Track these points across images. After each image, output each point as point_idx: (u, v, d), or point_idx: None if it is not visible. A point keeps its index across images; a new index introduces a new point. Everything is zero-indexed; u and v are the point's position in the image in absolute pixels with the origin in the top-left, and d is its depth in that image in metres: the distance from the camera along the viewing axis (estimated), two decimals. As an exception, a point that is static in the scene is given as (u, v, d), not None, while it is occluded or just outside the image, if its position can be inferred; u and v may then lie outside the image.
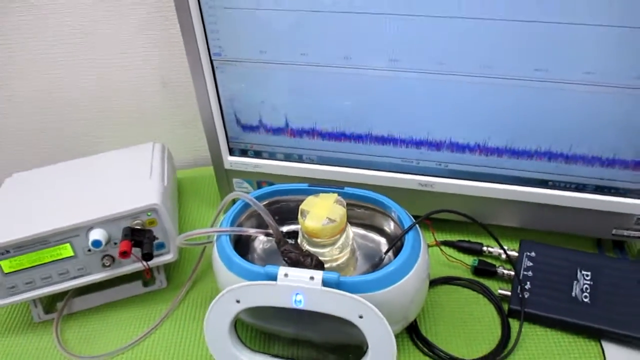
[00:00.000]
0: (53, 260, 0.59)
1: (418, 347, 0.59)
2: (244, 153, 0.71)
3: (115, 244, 0.60)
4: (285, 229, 0.62)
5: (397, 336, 0.59)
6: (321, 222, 0.53)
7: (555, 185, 0.63)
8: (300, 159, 0.70)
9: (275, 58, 0.61)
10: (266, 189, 0.61)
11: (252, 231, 0.58)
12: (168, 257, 0.63)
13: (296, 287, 0.49)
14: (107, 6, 0.76)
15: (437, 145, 0.63)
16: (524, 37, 0.53)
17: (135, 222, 0.59)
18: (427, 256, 0.55)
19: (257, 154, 0.71)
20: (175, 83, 0.83)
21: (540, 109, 0.58)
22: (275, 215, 0.60)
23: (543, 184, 0.63)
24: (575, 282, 0.61)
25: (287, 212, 0.62)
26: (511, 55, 0.55)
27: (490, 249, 0.67)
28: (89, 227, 0.58)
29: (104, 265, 0.61)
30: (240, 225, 0.60)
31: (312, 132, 0.67)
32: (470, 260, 0.67)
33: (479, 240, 0.68)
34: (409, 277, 0.51)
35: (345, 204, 0.55)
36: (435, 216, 0.58)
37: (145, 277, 0.66)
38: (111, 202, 0.60)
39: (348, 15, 0.56)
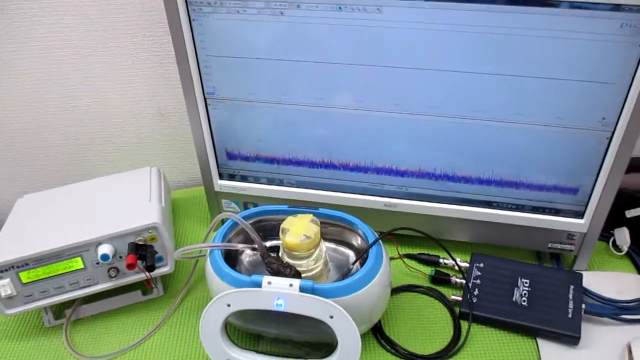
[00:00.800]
0: (65, 272, 0.66)
1: (382, 345, 0.67)
2: (232, 177, 0.80)
3: (121, 257, 0.67)
4: (268, 243, 0.70)
5: (363, 335, 0.67)
6: (299, 238, 0.61)
7: (498, 205, 0.73)
8: (281, 183, 0.78)
9: (261, 98, 0.70)
10: (252, 210, 0.69)
11: (240, 246, 0.66)
12: (166, 269, 0.70)
13: (277, 293, 0.56)
14: (109, 39, 0.83)
15: (398, 172, 0.73)
16: (465, 84, 0.63)
17: (139, 238, 0.67)
18: (389, 267, 0.64)
19: (244, 178, 0.79)
20: (171, 113, 0.91)
21: (481, 142, 0.68)
22: (259, 232, 0.67)
23: (488, 204, 0.73)
24: (515, 288, 0.70)
25: (270, 230, 0.69)
26: (454, 98, 0.65)
27: (445, 260, 0.76)
28: (98, 242, 0.66)
29: (110, 276, 0.68)
30: (229, 241, 0.67)
31: (291, 161, 0.75)
32: (428, 270, 0.76)
33: (436, 253, 0.77)
34: (372, 284, 0.60)
35: (319, 222, 0.63)
36: (399, 232, 0.68)
37: (145, 286, 0.73)
38: (117, 220, 0.67)
39: (322, 65, 0.66)
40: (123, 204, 0.73)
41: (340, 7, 0.61)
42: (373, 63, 0.64)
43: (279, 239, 0.63)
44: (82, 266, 0.67)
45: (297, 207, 0.68)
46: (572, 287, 0.70)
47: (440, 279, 0.74)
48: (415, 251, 0.79)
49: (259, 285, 0.57)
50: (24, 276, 0.65)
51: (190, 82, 0.70)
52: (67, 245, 0.65)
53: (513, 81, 0.62)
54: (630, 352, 0.63)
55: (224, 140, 0.76)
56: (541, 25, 0.58)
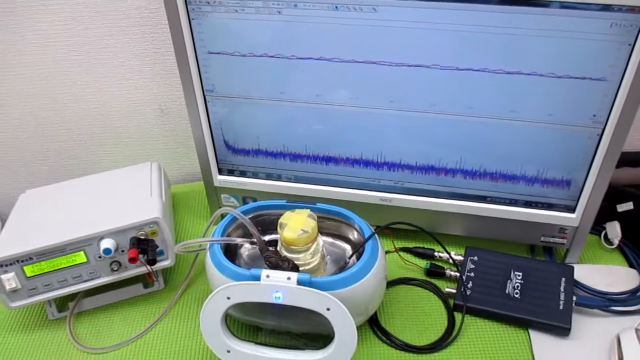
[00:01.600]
0: (69, 266, 0.68)
1: (378, 336, 0.69)
2: (231, 172, 0.81)
3: (123, 251, 0.69)
4: (267, 237, 0.70)
5: (360, 327, 0.68)
6: (296, 233, 0.62)
7: (492, 200, 0.74)
8: (279, 178, 0.80)
9: (259, 95, 0.71)
10: (251, 205, 0.70)
11: (239, 240, 0.67)
12: (167, 263, 0.72)
13: (276, 286, 0.58)
14: (110, 37, 0.84)
15: (394, 167, 0.74)
16: (458, 82, 0.65)
17: (140, 232, 0.69)
18: (384, 260, 0.66)
19: (243, 174, 0.81)
20: (171, 108, 0.92)
21: (474, 138, 0.69)
22: (258, 226, 0.68)
23: (482, 199, 0.75)
24: (508, 281, 0.72)
25: (269, 224, 0.71)
26: (448, 95, 0.66)
27: (440, 254, 0.78)
28: (101, 237, 0.67)
29: (112, 270, 0.70)
30: (228, 235, 0.69)
31: (289, 156, 0.77)
32: (423, 263, 0.77)
33: (431, 247, 0.79)
34: (368, 277, 0.61)
35: (316, 217, 0.65)
36: (395, 226, 0.69)
37: (146, 279, 0.74)
38: (119, 215, 0.69)
39: (319, 63, 0.67)
40: (124, 198, 0.74)
41: (336, 7, 0.62)
42: (369, 61, 0.66)
43: (277, 233, 0.65)
44: (85, 260, 0.68)
45: (295, 202, 0.70)
46: (563, 279, 0.71)
47: (435, 272, 0.76)
48: (410, 245, 0.80)
49: (257, 278, 0.59)
50: (28, 270, 0.67)
51: (190, 80, 0.71)
52: (70, 240, 0.66)
53: (506, 79, 0.63)
54: (619, 343, 0.64)
55: (223, 136, 0.77)
56: (533, 25, 0.59)
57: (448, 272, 0.75)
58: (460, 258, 0.76)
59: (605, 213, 0.78)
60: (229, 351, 0.61)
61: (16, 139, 0.93)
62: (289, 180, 0.79)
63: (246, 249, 0.72)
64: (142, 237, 0.69)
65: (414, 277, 0.76)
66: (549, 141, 0.67)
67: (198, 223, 0.88)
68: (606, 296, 0.72)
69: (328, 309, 0.57)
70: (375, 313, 0.70)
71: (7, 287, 0.66)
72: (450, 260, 0.76)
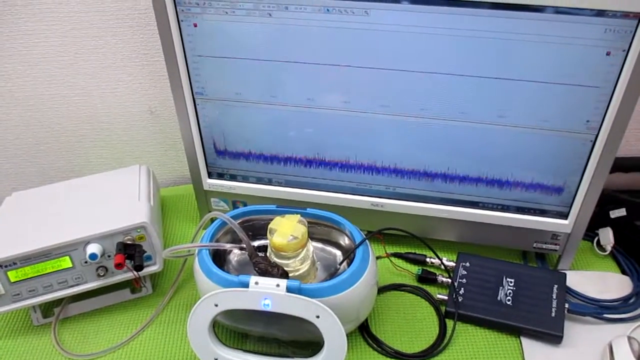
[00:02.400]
0: (54, 271, 0.67)
1: (368, 343, 0.68)
2: (221, 176, 0.80)
3: (109, 256, 0.68)
4: (256, 243, 0.71)
5: (350, 334, 0.68)
6: (286, 239, 0.62)
7: (484, 206, 0.74)
8: (270, 182, 0.79)
9: (250, 98, 0.71)
10: (240, 210, 0.70)
11: (228, 246, 0.66)
12: (154, 268, 0.71)
13: (265, 293, 0.57)
14: (99, 38, 0.83)
15: (385, 172, 0.73)
16: (450, 86, 0.64)
17: (127, 237, 0.68)
18: (375, 266, 0.65)
19: (233, 177, 0.80)
20: (161, 110, 0.91)
21: (466, 143, 0.68)
22: (248, 231, 0.68)
23: (474, 205, 0.74)
24: (500, 287, 0.72)
25: (259, 229, 0.70)
26: (441, 100, 0.65)
27: (432, 259, 0.77)
28: (87, 242, 0.66)
29: (98, 275, 0.69)
30: (217, 240, 0.68)
31: (280, 160, 0.76)
32: (415, 269, 0.77)
33: (423, 252, 0.78)
34: (358, 284, 0.61)
35: (306, 223, 0.64)
36: (386, 231, 0.68)
37: (134, 285, 0.73)
38: (105, 220, 0.68)
39: (310, 66, 0.66)
40: (112, 202, 0.73)
41: (328, 10, 0.61)
42: (360, 65, 0.65)
43: (267, 238, 0.64)
44: (71, 265, 0.67)
45: (285, 207, 0.69)
46: (556, 286, 0.71)
47: (427, 278, 0.75)
48: (402, 250, 0.80)
49: (246, 285, 0.58)
50: (12, 275, 0.65)
51: (179, 82, 0.70)
52: (55, 245, 0.65)
53: (499, 84, 0.63)
54: (611, 351, 0.64)
55: (213, 140, 0.76)
56: (526, 30, 0.58)
57: (440, 278, 0.74)
58: (452, 264, 0.75)
59: (598, 219, 0.78)
60: (216, 359, 0.60)
61: (3, 140, 0.92)
62: (279, 184, 0.79)
63: (235, 254, 0.72)
64: (129, 242, 0.68)
65: (405, 283, 0.76)
66: (542, 147, 0.67)
67: (187, 227, 0.88)
68: (598, 303, 0.71)
69: (317, 317, 0.57)
70: (366, 320, 0.70)
71: (-10, 293, 0.65)
72: (442, 266, 0.76)
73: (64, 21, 0.81)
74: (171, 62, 0.69)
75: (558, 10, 0.57)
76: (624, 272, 0.77)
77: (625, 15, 0.56)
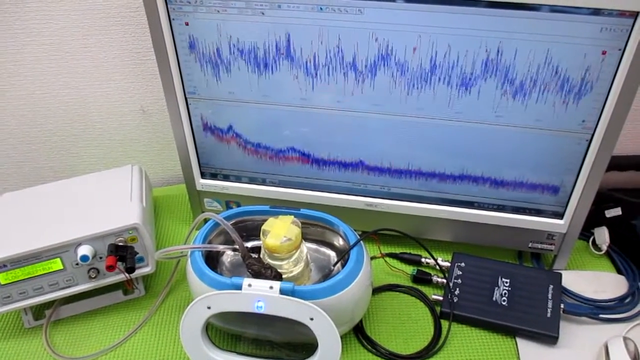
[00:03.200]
0: (44, 273, 0.66)
1: (363, 345, 0.67)
2: (214, 176, 0.79)
3: (101, 258, 0.67)
4: (249, 244, 0.70)
5: (344, 336, 0.68)
6: (280, 240, 0.61)
7: (479, 206, 0.73)
8: (263, 182, 0.78)
9: (242, 98, 0.70)
10: (233, 210, 0.69)
11: (221, 247, 0.66)
12: (147, 270, 0.70)
13: (258, 295, 0.57)
14: (90, 36, 0.82)
15: (379, 171, 0.73)
16: (445, 86, 0.63)
17: (119, 239, 0.67)
18: (370, 267, 0.65)
19: (226, 177, 0.79)
20: (153, 110, 0.90)
21: (461, 143, 0.68)
22: (241, 232, 0.68)
23: (470, 205, 0.74)
24: (496, 288, 0.71)
25: (252, 230, 0.70)
26: (435, 100, 0.65)
27: (427, 260, 0.77)
28: (78, 243, 0.65)
29: (90, 277, 0.68)
30: (210, 241, 0.67)
31: (273, 159, 0.75)
32: (410, 269, 0.76)
33: (418, 253, 0.78)
34: (353, 286, 0.60)
35: (300, 224, 0.64)
36: (381, 232, 0.68)
37: (126, 287, 0.73)
38: (97, 221, 0.67)
39: (303, 64, 0.65)
40: (103, 203, 0.72)
41: (321, 8, 0.61)
42: (354, 63, 0.64)
43: (260, 239, 0.63)
44: (62, 267, 0.66)
45: (279, 207, 0.68)
46: (551, 286, 0.70)
47: (422, 278, 0.75)
48: (397, 250, 0.79)
49: (239, 287, 0.58)
50: (2, 277, 0.65)
51: (171, 82, 0.69)
52: (46, 247, 0.64)
53: (494, 83, 0.62)
54: (607, 351, 0.64)
55: (205, 139, 0.75)
56: (522, 29, 0.58)
57: (435, 278, 0.74)
58: (447, 264, 0.75)
59: (593, 218, 0.78)
60: (209, 362, 0.60)
61: (-6, 140, 0.91)
62: (273, 184, 0.78)
63: (228, 255, 0.71)
64: (121, 244, 0.67)
65: (400, 283, 0.75)
66: (537, 147, 0.66)
67: (180, 227, 0.87)
68: (594, 303, 0.71)
69: (311, 319, 0.56)
70: (361, 321, 0.69)
71: (-20, 296, 0.64)
72: (437, 267, 0.75)
73: (54, 20, 0.79)
74: (163, 61, 0.68)
75: (554, 9, 0.56)
76: (619, 272, 0.76)
77: (622, 13, 0.55)
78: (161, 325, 0.71)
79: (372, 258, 0.77)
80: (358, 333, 0.69)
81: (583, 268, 0.77)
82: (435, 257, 0.74)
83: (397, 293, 0.74)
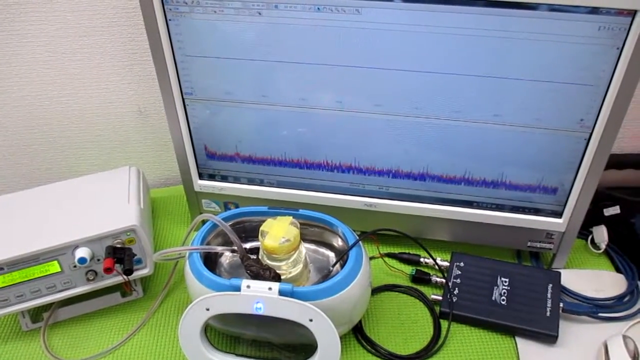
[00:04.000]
0: (42, 276, 0.65)
1: (362, 345, 0.67)
2: (212, 177, 0.79)
3: (99, 260, 0.67)
4: (248, 245, 0.69)
5: (344, 336, 0.67)
6: (278, 241, 0.61)
7: (478, 205, 0.73)
8: (261, 183, 0.78)
9: (240, 98, 0.69)
10: (232, 211, 0.69)
11: (219, 248, 0.66)
12: (145, 271, 0.70)
13: (257, 297, 0.56)
14: (86, 37, 0.81)
15: (378, 172, 0.73)
16: (444, 85, 0.63)
17: (117, 241, 0.67)
18: (369, 267, 0.64)
19: (224, 178, 0.79)
20: (150, 110, 0.89)
21: (460, 142, 0.68)
22: (239, 233, 0.67)
23: (468, 204, 0.73)
24: (495, 287, 0.71)
25: (250, 231, 0.69)
26: (434, 99, 0.65)
27: (426, 260, 0.76)
28: (75, 246, 0.65)
29: (88, 279, 0.67)
30: (208, 243, 0.67)
31: (272, 160, 0.75)
32: (409, 269, 0.76)
33: (417, 253, 0.77)
34: (352, 286, 0.60)
35: (299, 225, 0.63)
36: (379, 232, 0.68)
37: (124, 289, 0.72)
38: (95, 223, 0.67)
39: (301, 65, 0.65)
40: (101, 205, 0.72)
41: (318, 8, 0.60)
42: (352, 64, 0.64)
43: (259, 240, 0.63)
44: (59, 270, 0.66)
45: (277, 208, 0.68)
46: (550, 285, 0.70)
47: (421, 278, 0.74)
48: (396, 250, 0.79)
49: (238, 289, 0.57)
50: (0, 280, 0.64)
51: (168, 83, 0.69)
52: (43, 249, 0.64)
53: (492, 83, 0.62)
54: (606, 350, 0.64)
55: (203, 140, 0.75)
56: (520, 28, 0.58)
57: (434, 278, 0.74)
58: (446, 264, 0.75)
59: (592, 217, 0.78)
60: (208, 364, 0.59)
61: (-10, 142, 0.91)
62: (271, 185, 0.78)
63: (227, 257, 0.71)
64: (119, 246, 0.67)
65: (399, 283, 0.75)
66: (536, 145, 0.66)
67: (178, 229, 0.87)
68: (593, 302, 0.71)
69: (310, 320, 0.56)
70: (360, 321, 0.69)
71: (-23, 299, 0.64)
72: (436, 267, 0.75)
73: (50, 20, 0.79)
74: (159, 61, 0.68)
75: (552, 8, 0.56)
76: (618, 270, 0.76)
77: (619, 12, 0.55)
78: (160, 327, 0.71)
79: (371, 258, 0.77)
80: (357, 334, 0.68)
81: (582, 267, 0.77)
82: (434, 257, 0.74)
83: (397, 293, 0.74)
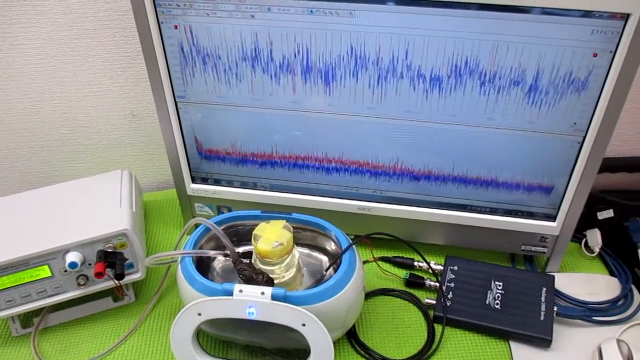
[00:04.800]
0: (32, 280, 0.65)
1: (356, 350, 0.67)
2: (204, 181, 0.79)
3: (90, 264, 0.66)
4: (241, 249, 0.69)
5: (337, 341, 0.67)
6: (271, 245, 0.61)
7: (472, 209, 0.73)
8: (254, 187, 0.78)
9: (232, 102, 0.69)
10: (225, 215, 0.68)
11: (211, 253, 0.65)
12: (137, 276, 0.69)
13: (249, 301, 0.56)
14: (78, 39, 0.81)
15: (372, 175, 0.72)
16: (437, 89, 0.63)
17: (108, 245, 0.66)
18: (362, 271, 0.64)
19: (217, 182, 0.78)
20: (143, 114, 0.89)
21: (454, 146, 0.68)
22: (232, 237, 0.67)
23: (462, 208, 0.73)
24: (489, 291, 0.71)
25: (243, 235, 0.69)
26: (428, 103, 0.65)
27: (420, 263, 0.76)
28: (66, 250, 0.64)
29: (78, 284, 0.67)
30: (201, 247, 0.67)
31: (264, 163, 0.74)
32: (403, 273, 0.76)
33: (411, 256, 0.77)
34: (345, 291, 0.60)
35: (292, 229, 0.63)
36: (373, 235, 0.67)
37: (116, 293, 0.72)
38: (86, 227, 0.66)
39: (294, 68, 0.65)
40: (92, 209, 0.71)
41: (311, 11, 0.60)
42: (345, 67, 0.64)
43: (252, 244, 0.63)
44: (50, 274, 0.65)
45: (270, 212, 0.68)
46: (544, 289, 0.70)
47: (415, 282, 0.74)
48: (390, 254, 0.79)
49: (230, 293, 0.57)
50: (-11, 285, 0.64)
51: (160, 86, 0.69)
52: (34, 254, 0.63)
53: (486, 86, 0.62)
54: (600, 354, 0.63)
55: (195, 144, 0.75)
56: (513, 31, 0.58)
57: (428, 282, 0.74)
58: (440, 268, 0.74)
59: (585, 220, 0.78)
60: (200, 369, 0.59)
61: (-19, 146, 0.90)
62: (264, 188, 0.77)
63: (219, 261, 0.70)
64: (110, 250, 0.66)
65: (393, 287, 0.75)
66: (529, 149, 0.66)
67: (171, 233, 0.86)
68: (587, 306, 0.71)
69: (303, 325, 0.56)
70: (354, 326, 0.69)
71: (-34, 304, 0.63)
72: (430, 270, 0.75)
73: (42, 23, 0.79)
74: (152, 64, 0.67)
75: (545, 11, 0.56)
76: (612, 274, 0.76)
77: (613, 15, 0.55)
78: (152, 332, 0.70)
79: (364, 262, 0.76)
80: (351, 338, 0.68)
81: (576, 270, 0.77)
82: (428, 260, 0.74)
83: (390, 297, 0.74)
